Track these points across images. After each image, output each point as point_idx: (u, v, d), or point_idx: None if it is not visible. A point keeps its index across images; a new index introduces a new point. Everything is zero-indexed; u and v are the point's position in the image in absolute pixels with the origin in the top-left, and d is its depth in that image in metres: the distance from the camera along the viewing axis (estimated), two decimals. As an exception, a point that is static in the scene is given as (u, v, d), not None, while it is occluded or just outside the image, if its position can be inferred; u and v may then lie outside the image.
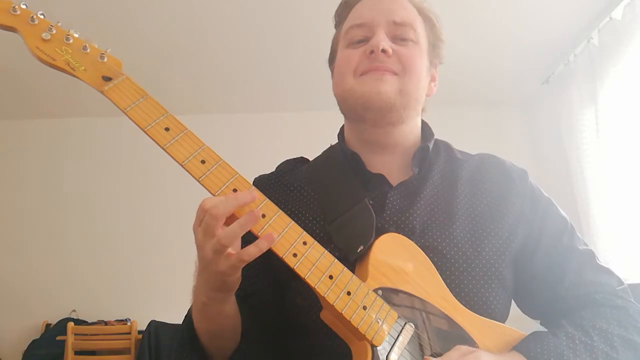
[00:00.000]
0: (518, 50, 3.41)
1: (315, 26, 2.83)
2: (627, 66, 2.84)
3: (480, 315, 0.76)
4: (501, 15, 3.05)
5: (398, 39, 0.85)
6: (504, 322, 0.82)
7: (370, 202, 0.81)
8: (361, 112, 0.85)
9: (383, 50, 0.82)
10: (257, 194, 0.67)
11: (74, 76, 0.72)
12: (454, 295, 0.76)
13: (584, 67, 3.22)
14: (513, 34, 3.23)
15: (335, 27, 0.97)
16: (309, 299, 0.75)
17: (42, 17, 0.73)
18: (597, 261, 0.85)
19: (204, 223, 0.62)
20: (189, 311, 0.77)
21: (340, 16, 0.94)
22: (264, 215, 0.66)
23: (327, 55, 0.98)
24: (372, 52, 0.83)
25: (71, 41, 0.73)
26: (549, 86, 3.71)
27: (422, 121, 0.94)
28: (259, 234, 0.64)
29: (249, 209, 0.65)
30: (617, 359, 0.73)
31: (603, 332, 0.75)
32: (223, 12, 2.97)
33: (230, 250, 0.62)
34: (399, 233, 0.78)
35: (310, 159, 0.99)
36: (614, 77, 2.95)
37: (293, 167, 0.97)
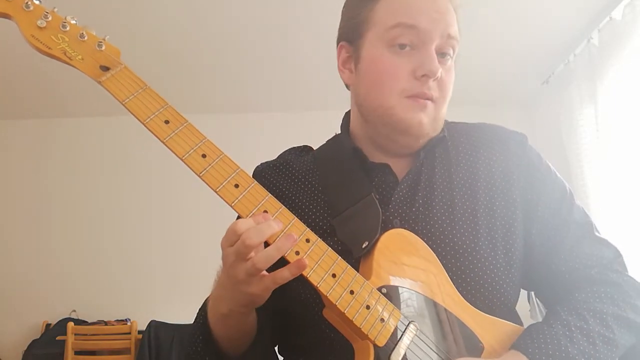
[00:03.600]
0: (518, 51, 3.40)
1: (316, 26, 2.83)
2: (627, 66, 2.84)
3: (491, 302, 0.76)
4: (501, 15, 3.05)
5: (440, 52, 0.81)
6: (514, 306, 0.82)
7: (377, 196, 0.80)
8: (395, 134, 0.83)
9: (436, 78, 0.78)
10: (260, 189, 0.67)
11: (71, 65, 0.69)
12: (459, 284, 0.75)
13: (584, 67, 3.22)
14: (513, 34, 3.23)
15: None
16: (313, 293, 0.74)
17: (37, 2, 0.70)
18: (595, 233, 0.84)
19: (236, 248, 0.62)
20: (204, 311, 0.76)
21: None
22: (265, 212, 0.66)
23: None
24: (424, 75, 0.78)
25: (68, 29, 0.70)
26: (549, 86, 3.71)
27: None
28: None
29: (263, 217, 0.64)
30: (613, 338, 0.73)
31: (597, 313, 0.74)
32: (223, 12, 2.97)
33: (263, 272, 0.63)
34: (403, 224, 0.78)
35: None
36: (613, 77, 2.95)
37: (297, 156, 0.95)
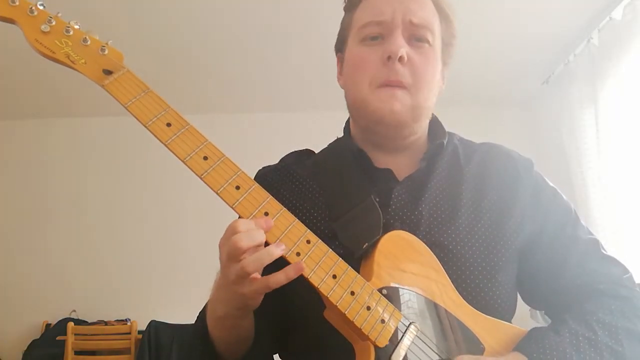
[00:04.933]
0: (518, 50, 3.40)
1: (316, 26, 2.83)
2: (627, 66, 2.84)
3: (488, 310, 0.76)
4: (501, 15, 3.05)
5: (414, 38, 0.83)
6: (511, 316, 0.82)
7: (377, 199, 0.80)
8: (373, 125, 0.85)
9: (400, 58, 0.80)
10: (261, 191, 0.67)
11: (74, 69, 0.70)
12: (460, 291, 0.75)
13: (584, 67, 3.22)
14: (513, 33, 3.23)
15: (344, 10, 0.92)
16: (314, 295, 0.74)
17: (41, 8, 0.71)
18: (602, 250, 0.84)
19: (228, 247, 0.62)
20: (203, 314, 0.76)
21: (352, 1, 0.90)
22: (267, 214, 0.66)
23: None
24: (389, 57, 0.80)
25: (71, 33, 0.71)
26: (549, 86, 3.71)
27: (434, 116, 0.92)
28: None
29: (265, 220, 0.64)
30: (622, 352, 0.72)
31: (607, 326, 0.74)
32: (223, 12, 2.97)
33: (254, 274, 0.63)
34: (404, 228, 0.77)
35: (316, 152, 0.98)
36: (614, 77, 2.95)
37: (299, 160, 0.95)
